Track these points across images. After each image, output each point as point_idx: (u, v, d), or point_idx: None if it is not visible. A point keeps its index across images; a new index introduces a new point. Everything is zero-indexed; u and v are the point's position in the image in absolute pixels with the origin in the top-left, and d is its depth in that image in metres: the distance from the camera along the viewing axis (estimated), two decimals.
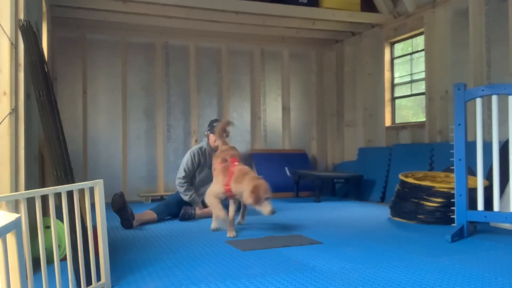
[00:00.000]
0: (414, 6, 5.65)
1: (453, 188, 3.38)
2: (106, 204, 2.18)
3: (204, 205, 4.45)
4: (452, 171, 3.48)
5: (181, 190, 4.39)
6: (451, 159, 3.35)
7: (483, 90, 3.26)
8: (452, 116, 3.82)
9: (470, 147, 3.29)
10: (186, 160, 4.48)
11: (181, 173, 4.44)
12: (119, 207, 3.74)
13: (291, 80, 7.12)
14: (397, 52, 6.27)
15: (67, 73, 5.95)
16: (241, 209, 3.84)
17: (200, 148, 4.53)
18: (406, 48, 6.17)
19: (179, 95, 6.50)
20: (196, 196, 4.42)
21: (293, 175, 6.14)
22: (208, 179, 4.54)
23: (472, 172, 3.69)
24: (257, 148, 6.81)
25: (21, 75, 2.45)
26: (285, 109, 7.06)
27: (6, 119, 2.34)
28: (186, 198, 4.37)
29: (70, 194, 2.00)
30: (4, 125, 2.33)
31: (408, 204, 3.99)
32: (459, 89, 3.30)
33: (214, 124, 4.52)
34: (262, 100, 6.97)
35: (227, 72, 6.71)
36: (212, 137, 4.46)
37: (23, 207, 1.68)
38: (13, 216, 1.36)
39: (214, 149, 4.53)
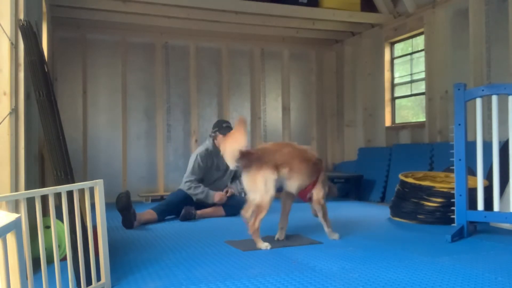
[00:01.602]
0: (414, 6, 5.65)
1: (453, 188, 3.38)
2: (106, 204, 2.18)
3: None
4: (452, 171, 3.47)
5: (190, 191, 4.36)
6: (451, 159, 3.35)
7: (483, 90, 3.26)
8: (452, 116, 3.82)
9: (470, 147, 3.29)
10: (192, 162, 4.45)
11: (188, 176, 4.42)
12: (123, 206, 3.74)
13: (291, 80, 7.12)
14: (397, 52, 6.27)
15: (67, 73, 5.95)
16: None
17: (206, 150, 4.51)
18: (406, 48, 6.17)
19: (179, 95, 6.50)
20: (209, 190, 4.40)
21: None
22: (215, 179, 4.56)
23: (472, 172, 3.69)
24: None
25: (21, 75, 2.45)
26: (285, 109, 7.06)
27: (6, 119, 2.34)
28: (199, 196, 4.35)
29: (70, 194, 2.00)
30: (4, 125, 2.33)
31: (408, 204, 3.99)
32: (459, 89, 3.30)
33: (224, 125, 4.49)
34: (262, 100, 6.97)
35: (227, 72, 6.71)
36: (220, 138, 4.44)
37: (23, 207, 1.68)
38: (13, 216, 1.36)
39: (220, 150, 4.52)
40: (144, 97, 6.34)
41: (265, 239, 3.24)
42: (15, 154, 2.38)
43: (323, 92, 7.35)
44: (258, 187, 2.94)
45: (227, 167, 4.58)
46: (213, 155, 4.50)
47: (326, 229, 3.25)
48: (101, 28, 6.05)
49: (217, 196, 4.38)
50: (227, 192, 4.50)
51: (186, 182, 4.41)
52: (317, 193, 3.15)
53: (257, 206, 2.95)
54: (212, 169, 4.51)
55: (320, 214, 3.22)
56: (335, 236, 3.22)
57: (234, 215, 4.52)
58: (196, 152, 4.57)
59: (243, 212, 3.17)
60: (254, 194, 2.97)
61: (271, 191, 2.94)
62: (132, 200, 3.90)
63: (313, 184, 3.15)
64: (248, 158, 2.96)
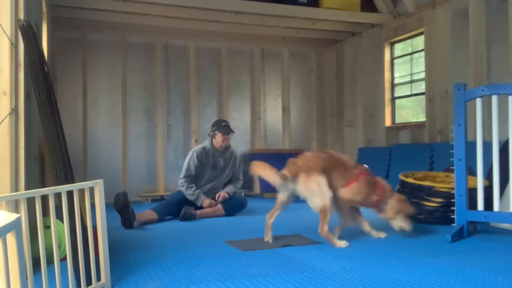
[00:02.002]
0: (414, 6, 5.65)
1: (453, 188, 3.38)
2: (106, 204, 2.18)
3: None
4: (452, 171, 3.47)
5: (183, 189, 4.40)
6: (451, 159, 3.35)
7: (483, 90, 3.26)
8: (452, 116, 3.82)
9: (470, 147, 3.29)
10: (188, 159, 4.49)
11: (182, 173, 4.46)
12: (122, 206, 3.74)
13: (291, 80, 7.12)
14: (397, 52, 6.28)
15: (67, 73, 5.96)
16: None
17: (203, 148, 4.53)
18: (406, 48, 6.17)
19: (179, 95, 6.50)
20: (201, 193, 4.41)
21: None
22: (211, 179, 4.56)
23: (472, 172, 3.68)
24: (257, 148, 6.81)
25: (21, 75, 2.45)
26: (285, 109, 7.06)
27: (6, 119, 2.34)
28: (189, 197, 4.37)
29: (70, 194, 2.00)
30: (4, 125, 2.33)
31: None
32: (459, 89, 3.30)
33: (223, 124, 4.51)
34: (262, 100, 6.97)
35: (227, 72, 6.71)
36: (219, 136, 4.46)
37: (23, 207, 1.68)
38: (13, 216, 1.36)
39: (218, 150, 4.54)
40: (144, 97, 6.35)
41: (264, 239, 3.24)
42: (15, 154, 2.38)
43: (323, 92, 7.36)
44: (314, 191, 3.01)
45: (225, 167, 4.61)
46: (210, 154, 4.51)
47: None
48: (101, 28, 6.05)
49: (206, 202, 4.40)
50: (219, 196, 4.49)
51: (181, 178, 4.45)
52: (343, 192, 3.14)
53: (321, 211, 2.99)
54: (207, 168, 4.52)
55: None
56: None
57: (234, 214, 4.53)
58: (193, 149, 4.59)
59: (267, 217, 3.19)
60: (313, 200, 3.02)
61: (328, 192, 3.00)
62: (132, 200, 3.91)
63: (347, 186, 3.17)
64: (295, 168, 3.07)
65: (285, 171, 3.08)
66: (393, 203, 3.22)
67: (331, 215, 3.01)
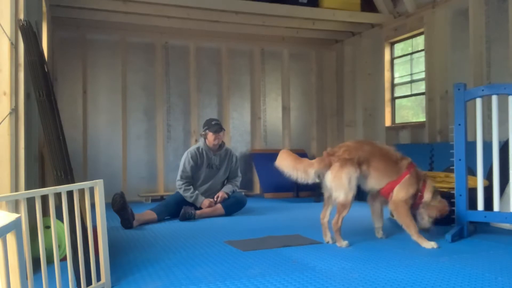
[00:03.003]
0: (414, 6, 5.65)
1: (453, 188, 3.38)
2: (106, 204, 2.19)
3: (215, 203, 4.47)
4: (452, 171, 3.47)
5: (181, 191, 4.41)
6: (451, 159, 3.35)
7: (483, 90, 3.26)
8: (452, 116, 3.83)
9: (470, 147, 3.29)
10: (183, 161, 4.51)
11: (178, 175, 4.47)
12: (119, 207, 3.75)
13: (291, 80, 7.13)
14: (397, 52, 6.27)
15: (67, 73, 5.95)
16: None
17: (197, 148, 4.55)
18: (406, 48, 6.17)
19: (179, 95, 6.50)
20: (199, 195, 4.43)
21: None
22: (208, 178, 4.57)
23: (472, 172, 3.68)
24: (257, 148, 6.81)
25: (21, 75, 2.45)
26: (285, 109, 7.06)
27: (6, 119, 2.34)
28: (188, 199, 4.38)
29: (70, 194, 2.00)
30: (4, 125, 2.34)
31: None
32: (459, 89, 3.30)
33: (213, 123, 4.53)
34: (262, 100, 6.97)
35: (227, 72, 6.71)
36: (210, 135, 4.47)
37: (23, 207, 1.68)
38: (13, 216, 1.36)
39: (212, 149, 4.55)
40: (144, 97, 6.35)
41: (266, 238, 3.24)
42: (15, 154, 2.38)
43: (323, 92, 7.36)
44: (342, 184, 2.97)
45: (220, 165, 4.62)
46: (204, 154, 4.53)
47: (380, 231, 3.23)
48: (101, 28, 6.05)
49: (205, 202, 4.41)
50: (217, 197, 4.50)
51: (178, 181, 4.47)
52: (396, 193, 3.06)
53: (341, 205, 2.99)
54: (203, 167, 4.53)
55: (395, 216, 3.13)
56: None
57: (234, 213, 4.54)
58: (187, 150, 4.61)
59: (321, 217, 3.17)
60: (338, 192, 2.99)
61: (354, 189, 2.99)
62: (132, 200, 3.91)
63: (396, 183, 3.07)
64: (331, 157, 3.02)
65: (315, 162, 3.02)
66: (435, 202, 3.11)
67: (348, 211, 3.01)
